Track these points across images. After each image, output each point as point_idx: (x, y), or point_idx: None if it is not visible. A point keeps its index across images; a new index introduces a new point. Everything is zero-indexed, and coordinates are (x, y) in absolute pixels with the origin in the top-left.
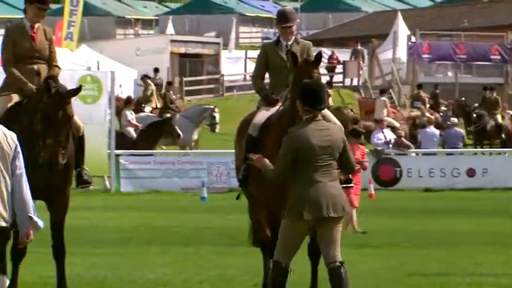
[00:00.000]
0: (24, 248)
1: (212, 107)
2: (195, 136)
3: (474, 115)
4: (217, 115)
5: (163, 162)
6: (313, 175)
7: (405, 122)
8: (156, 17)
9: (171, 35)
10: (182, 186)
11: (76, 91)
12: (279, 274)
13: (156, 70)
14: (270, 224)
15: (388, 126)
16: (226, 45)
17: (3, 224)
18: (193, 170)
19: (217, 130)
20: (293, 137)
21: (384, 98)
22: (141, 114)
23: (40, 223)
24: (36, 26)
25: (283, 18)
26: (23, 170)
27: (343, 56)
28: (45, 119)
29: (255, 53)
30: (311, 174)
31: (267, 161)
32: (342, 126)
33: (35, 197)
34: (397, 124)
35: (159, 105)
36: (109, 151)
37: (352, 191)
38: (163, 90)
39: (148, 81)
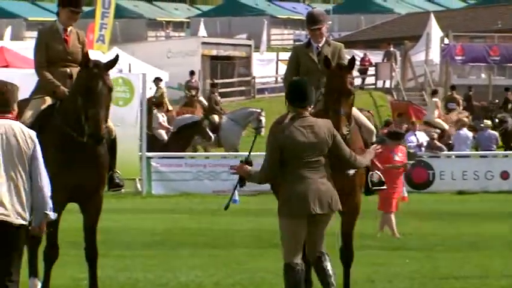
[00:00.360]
0: (56, 251)
1: (259, 110)
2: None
3: (496, 120)
4: (263, 118)
5: (194, 165)
6: (302, 172)
7: (454, 124)
8: (188, 19)
9: (203, 37)
10: (213, 188)
11: (113, 62)
12: (292, 274)
13: (192, 73)
14: None
15: (438, 128)
16: (257, 47)
17: (22, 222)
18: (225, 172)
19: (262, 133)
20: (277, 135)
21: (435, 99)
22: (185, 116)
23: (53, 216)
24: (69, 29)
25: (311, 21)
26: (42, 169)
27: (376, 58)
28: (86, 91)
29: (286, 55)
30: (299, 171)
31: (248, 167)
32: (329, 121)
33: (68, 199)
34: (446, 126)
35: (170, 109)
36: (140, 154)
37: (394, 195)
38: (199, 94)
39: (160, 84)
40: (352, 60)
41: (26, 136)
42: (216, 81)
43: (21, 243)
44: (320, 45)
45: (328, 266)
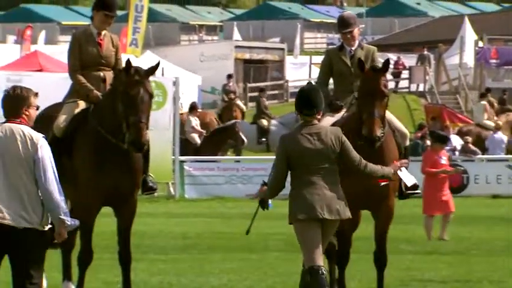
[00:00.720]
0: (91, 255)
1: None
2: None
3: None
4: None
5: (227, 169)
6: (309, 178)
7: (508, 127)
8: (221, 23)
9: (236, 40)
10: (246, 192)
11: (154, 68)
12: (317, 278)
13: (230, 76)
14: (337, 231)
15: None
16: (290, 51)
17: (27, 225)
18: (258, 176)
19: None
20: (284, 142)
21: (483, 102)
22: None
23: (71, 223)
24: (102, 33)
25: (343, 24)
26: (48, 172)
27: (409, 62)
28: (127, 98)
29: (319, 59)
30: (306, 177)
31: (264, 187)
32: (338, 128)
33: (103, 203)
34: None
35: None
36: (173, 157)
37: (444, 198)
38: (236, 97)
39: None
40: (387, 62)
41: (28, 139)
42: (249, 85)
43: (35, 247)
44: (353, 48)
45: (323, 278)
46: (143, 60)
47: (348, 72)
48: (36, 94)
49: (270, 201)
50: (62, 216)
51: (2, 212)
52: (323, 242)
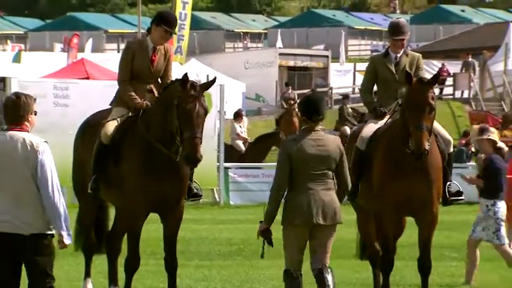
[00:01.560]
0: (138, 261)
1: None
2: None
3: None
4: None
5: (271, 175)
6: (308, 183)
7: None
8: (265, 31)
9: (280, 48)
10: None
11: (210, 84)
12: (290, 281)
13: (287, 84)
14: (380, 237)
15: None
16: (334, 58)
17: (34, 231)
18: None
19: None
20: (288, 146)
21: None
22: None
23: (68, 241)
24: (157, 47)
25: (396, 31)
26: (51, 180)
27: (454, 68)
28: (182, 112)
29: (363, 66)
30: (305, 182)
31: (265, 225)
32: (338, 138)
33: (150, 209)
34: None
35: None
36: (218, 164)
37: None
38: (295, 104)
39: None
40: (437, 76)
41: (34, 145)
42: (293, 92)
43: (44, 250)
44: (398, 55)
45: (329, 278)
46: (188, 67)
47: (393, 79)
48: (35, 100)
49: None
50: (62, 231)
51: (9, 221)
52: (320, 248)
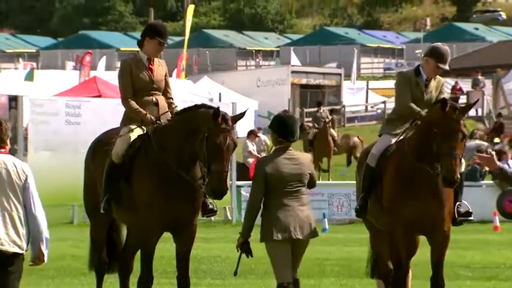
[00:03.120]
0: (151, 279)
1: None
2: None
3: None
4: None
5: None
6: (283, 200)
7: None
8: (277, 48)
9: (292, 65)
10: None
11: (241, 115)
12: None
13: (319, 104)
14: (392, 256)
15: None
16: (347, 76)
17: (18, 250)
18: (315, 201)
19: None
20: (263, 165)
21: None
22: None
23: (45, 258)
24: (152, 58)
25: (442, 59)
26: (36, 199)
27: (467, 86)
28: (213, 145)
29: (376, 84)
30: (281, 199)
31: (241, 239)
32: (310, 156)
33: (164, 229)
34: None
35: None
36: (230, 182)
37: None
38: (329, 124)
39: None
40: (470, 105)
41: (18, 168)
42: (305, 110)
43: (17, 269)
44: (429, 77)
45: None
46: (200, 85)
47: (420, 99)
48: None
49: (327, 226)
50: (42, 248)
51: (0, 238)
52: (296, 261)
